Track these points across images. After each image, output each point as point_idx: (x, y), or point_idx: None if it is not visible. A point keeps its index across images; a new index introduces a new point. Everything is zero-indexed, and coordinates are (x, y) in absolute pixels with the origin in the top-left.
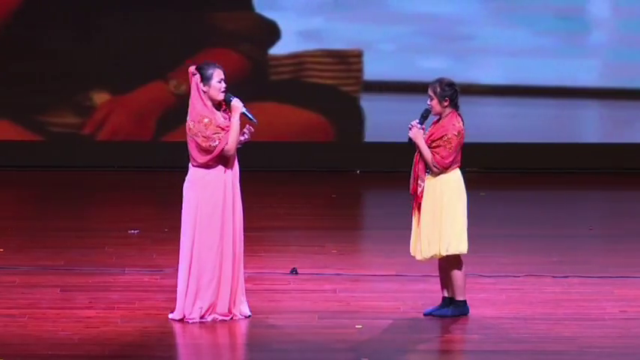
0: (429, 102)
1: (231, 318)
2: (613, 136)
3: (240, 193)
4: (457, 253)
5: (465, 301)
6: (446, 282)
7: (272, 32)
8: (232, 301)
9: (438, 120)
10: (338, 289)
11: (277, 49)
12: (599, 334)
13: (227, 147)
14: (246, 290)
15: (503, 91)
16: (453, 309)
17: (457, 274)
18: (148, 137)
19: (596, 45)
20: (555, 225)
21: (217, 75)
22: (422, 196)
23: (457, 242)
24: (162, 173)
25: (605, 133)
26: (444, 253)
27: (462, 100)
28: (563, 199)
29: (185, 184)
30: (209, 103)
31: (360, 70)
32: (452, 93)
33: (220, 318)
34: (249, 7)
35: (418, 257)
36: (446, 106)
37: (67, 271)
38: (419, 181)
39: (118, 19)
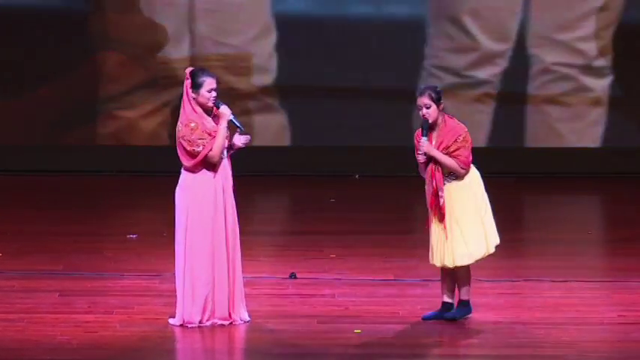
0: (425, 111)
1: (231, 323)
2: (502, 140)
3: (234, 198)
4: (496, 244)
5: (468, 301)
6: (448, 286)
7: (161, 36)
8: (231, 306)
9: (433, 129)
10: (337, 293)
11: (167, 53)
12: (597, 338)
13: (211, 153)
14: (245, 295)
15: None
16: (459, 309)
17: (466, 273)
18: (38, 141)
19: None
20: (553, 229)
21: (208, 84)
22: (444, 206)
23: (495, 234)
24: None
25: (493, 136)
26: (491, 250)
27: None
28: (561, 203)
29: (177, 189)
30: (198, 109)
31: (250, 75)
32: (441, 96)
33: (220, 322)
34: (138, 10)
35: (465, 262)
36: (441, 110)
37: (65, 276)
38: (440, 193)
39: (8, 20)
